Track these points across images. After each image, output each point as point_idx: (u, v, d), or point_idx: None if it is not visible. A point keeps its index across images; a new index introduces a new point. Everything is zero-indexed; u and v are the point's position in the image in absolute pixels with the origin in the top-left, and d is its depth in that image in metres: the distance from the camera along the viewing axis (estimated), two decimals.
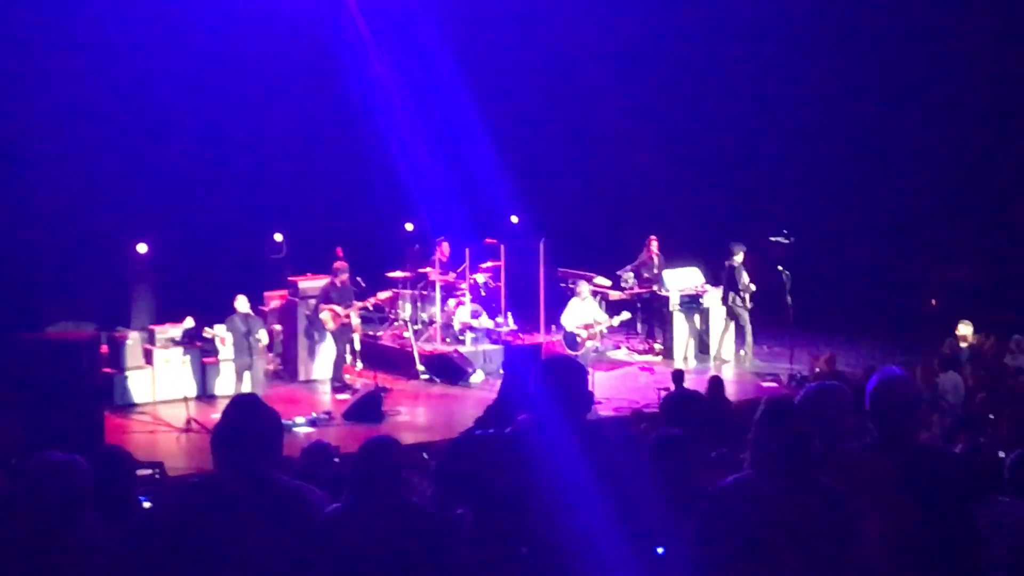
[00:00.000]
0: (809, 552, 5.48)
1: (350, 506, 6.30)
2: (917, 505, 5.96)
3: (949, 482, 6.35)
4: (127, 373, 21.18)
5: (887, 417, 6.33)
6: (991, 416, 16.39)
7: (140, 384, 21.26)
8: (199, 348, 21.72)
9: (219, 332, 21.43)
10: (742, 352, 24.45)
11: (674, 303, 24.56)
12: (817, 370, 20.73)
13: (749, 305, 24.06)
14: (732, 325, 24.31)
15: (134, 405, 20.99)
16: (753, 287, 23.98)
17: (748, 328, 24.22)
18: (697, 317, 24.79)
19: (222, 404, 19.41)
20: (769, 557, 5.48)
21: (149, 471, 13.90)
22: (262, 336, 21.61)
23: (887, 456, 6.22)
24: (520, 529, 5.61)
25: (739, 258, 24.03)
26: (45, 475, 5.79)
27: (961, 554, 6.12)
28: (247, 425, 6.06)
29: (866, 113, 27.82)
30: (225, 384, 21.55)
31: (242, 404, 6.25)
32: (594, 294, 24.16)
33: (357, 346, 23.27)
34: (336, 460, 11.50)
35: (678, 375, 18.48)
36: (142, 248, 23.51)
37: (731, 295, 24.11)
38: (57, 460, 5.96)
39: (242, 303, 21.46)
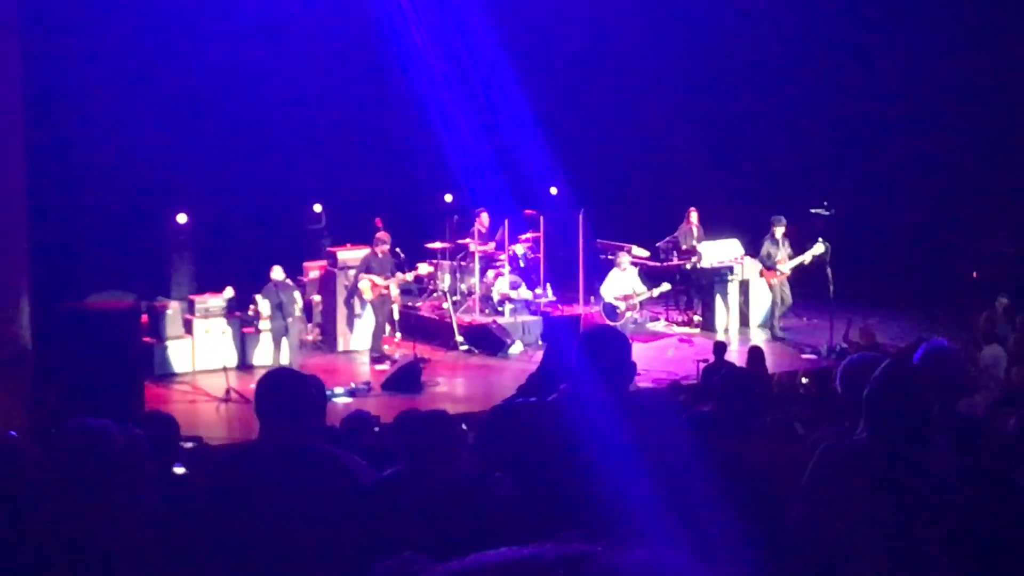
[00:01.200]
0: (917, 518, 5.40)
1: (405, 472, 6.31)
2: (959, 478, 5.91)
3: (993, 455, 6.32)
4: (167, 343, 21.27)
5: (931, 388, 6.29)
6: None
7: (180, 354, 21.35)
8: (239, 318, 21.78)
9: (259, 304, 21.49)
10: (763, 326, 24.41)
11: (711, 275, 24.51)
12: (855, 341, 20.65)
13: (783, 272, 23.81)
14: (779, 298, 24.09)
15: (174, 375, 21.09)
16: (786, 260, 23.80)
17: (780, 303, 24.02)
18: (737, 289, 24.74)
19: (261, 374, 19.57)
20: (878, 521, 5.41)
21: (189, 444, 13.94)
22: (296, 302, 21.64)
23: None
24: (560, 497, 5.59)
25: (780, 231, 23.90)
26: (77, 442, 5.79)
27: (1004, 527, 6.08)
28: (283, 396, 6.07)
29: (908, 83, 27.63)
30: (264, 354, 21.61)
31: (274, 377, 6.27)
32: (633, 265, 24.13)
33: (396, 316, 23.30)
34: (376, 430, 11.52)
35: (720, 347, 18.45)
36: (182, 218, 23.58)
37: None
38: (90, 427, 5.96)
39: (277, 272, 21.50)
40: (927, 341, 6.98)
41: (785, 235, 23.91)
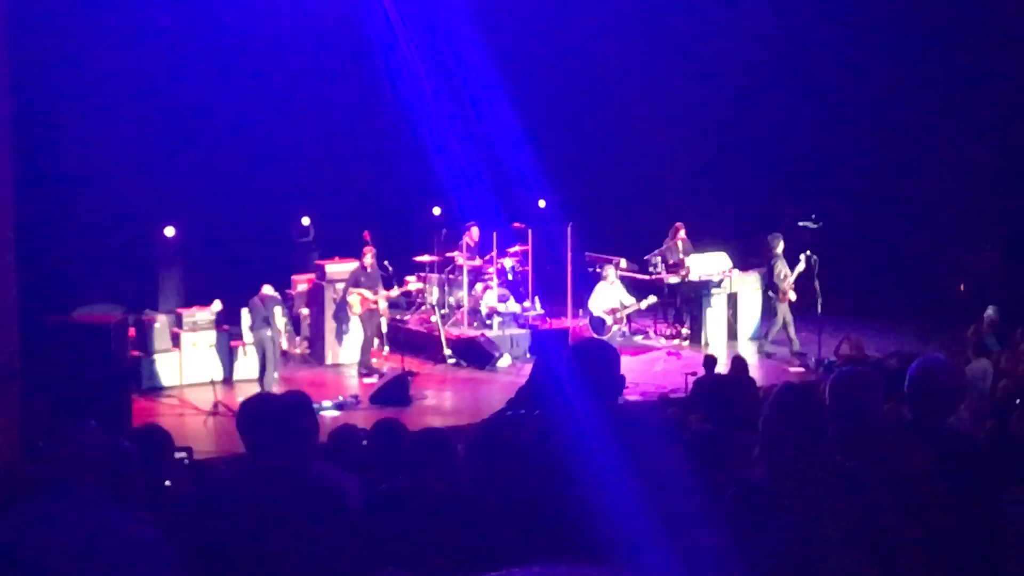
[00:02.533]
0: (839, 543, 5.43)
1: (397, 491, 6.32)
2: (944, 490, 5.94)
3: (977, 469, 6.36)
4: (155, 356, 21.25)
5: (924, 402, 6.35)
6: (1017, 402, 16.29)
7: (167, 367, 21.32)
8: (226, 331, 21.77)
9: (242, 318, 21.54)
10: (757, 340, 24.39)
11: (699, 288, 24.52)
12: (845, 352, 20.65)
13: (792, 297, 23.63)
14: (781, 317, 23.94)
15: (161, 388, 21.07)
16: (790, 277, 23.73)
17: (779, 321, 23.91)
18: (724, 302, 24.76)
19: (248, 388, 19.50)
20: (799, 551, 5.43)
21: (181, 455, 13.90)
22: (278, 315, 21.57)
23: (917, 441, 6.23)
24: (549, 511, 5.58)
25: (779, 249, 23.76)
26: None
27: (985, 541, 6.11)
28: (265, 424, 6.05)
29: (895, 97, 27.68)
30: (251, 368, 21.59)
31: (255, 406, 6.25)
32: (621, 278, 24.15)
33: (384, 330, 23.30)
34: (363, 443, 11.48)
35: (711, 360, 18.47)
36: (170, 231, 23.55)
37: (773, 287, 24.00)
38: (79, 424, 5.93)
39: (268, 289, 21.44)
40: (922, 356, 7.04)
41: (782, 253, 23.86)
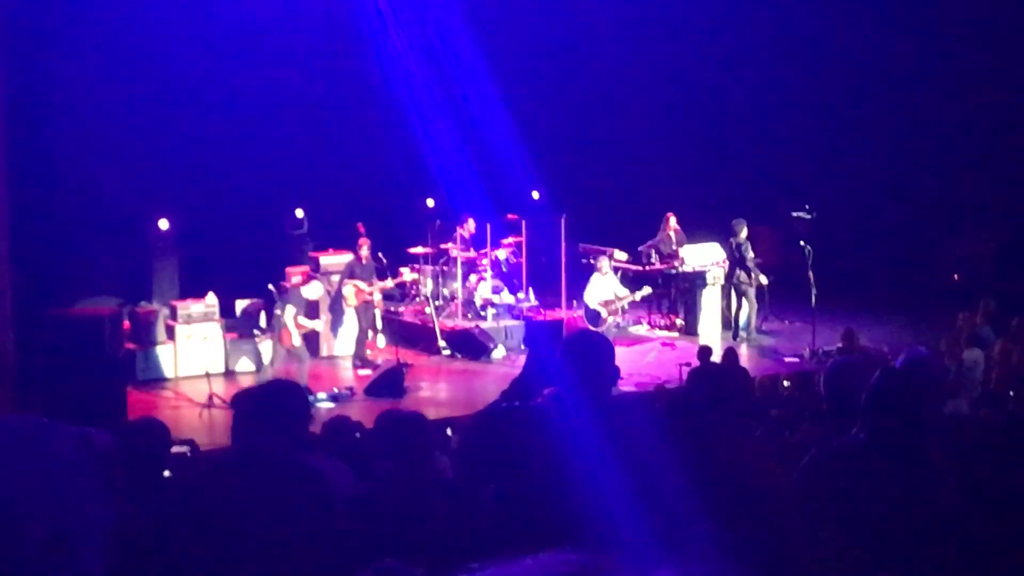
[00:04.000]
0: (911, 521, 5.44)
1: (385, 478, 6.32)
2: (943, 480, 5.95)
3: (971, 455, 6.39)
4: (149, 349, 21.26)
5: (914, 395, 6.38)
6: (1011, 393, 16.33)
7: (162, 360, 21.33)
8: (220, 324, 21.78)
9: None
10: (744, 331, 24.43)
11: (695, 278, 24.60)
12: (839, 345, 20.69)
13: (763, 280, 24.02)
14: (744, 302, 24.22)
15: (156, 381, 21.06)
16: (757, 261, 23.98)
17: (754, 305, 24.16)
18: (718, 293, 24.79)
19: (243, 380, 19.51)
20: (872, 524, 5.45)
21: (183, 448, 13.89)
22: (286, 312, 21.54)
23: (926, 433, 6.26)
24: (544, 502, 5.59)
25: (743, 235, 23.99)
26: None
27: (996, 527, 6.13)
28: (264, 409, 6.06)
29: (889, 86, 27.71)
30: (246, 360, 21.61)
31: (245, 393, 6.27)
32: (615, 270, 24.17)
33: (379, 322, 23.30)
34: (357, 435, 11.49)
35: (705, 351, 18.47)
36: (164, 224, 23.52)
37: (737, 272, 24.10)
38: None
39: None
40: (907, 350, 7.10)
41: (747, 238, 24.04)
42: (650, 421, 6.25)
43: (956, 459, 6.05)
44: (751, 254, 23.97)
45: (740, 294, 24.21)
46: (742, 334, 24.07)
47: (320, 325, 21.79)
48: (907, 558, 5.38)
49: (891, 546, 5.38)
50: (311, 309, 21.57)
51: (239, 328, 22.13)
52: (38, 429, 5.42)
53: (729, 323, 24.72)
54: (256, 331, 21.99)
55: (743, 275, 24.05)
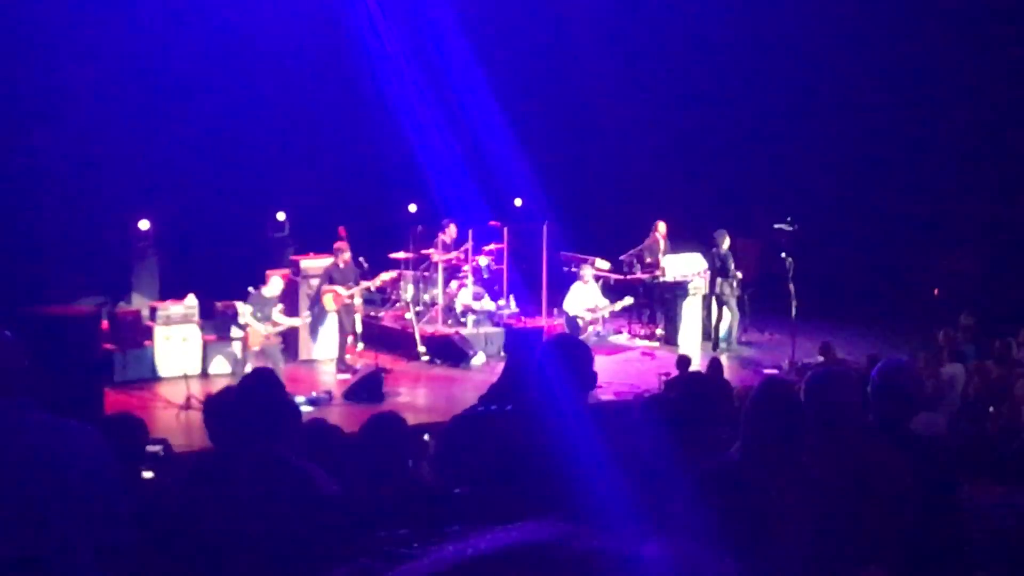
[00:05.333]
0: (795, 535, 5.44)
1: (351, 485, 6.29)
2: (907, 489, 5.97)
3: (939, 468, 6.43)
4: (128, 350, 21.18)
5: (887, 403, 6.41)
6: (990, 409, 16.35)
7: (141, 361, 21.25)
8: (200, 325, 21.72)
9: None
10: (725, 342, 24.45)
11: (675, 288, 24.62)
12: (820, 358, 20.70)
13: (737, 292, 24.15)
14: (725, 312, 24.29)
15: (134, 382, 20.98)
16: (739, 274, 24.08)
17: (736, 316, 24.24)
18: (699, 303, 24.81)
19: (219, 382, 19.44)
20: (754, 539, 5.44)
21: (156, 448, 13.85)
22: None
23: (882, 441, 6.27)
24: (520, 506, 5.57)
25: (725, 245, 24.07)
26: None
27: (947, 537, 6.16)
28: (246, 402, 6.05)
29: (872, 100, 27.75)
30: (223, 362, 21.56)
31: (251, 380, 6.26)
32: (596, 278, 24.16)
33: (358, 326, 23.25)
34: (335, 439, 11.45)
35: (684, 361, 18.47)
36: (144, 225, 23.45)
37: (719, 282, 24.16)
38: None
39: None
40: (885, 358, 7.13)
41: (729, 249, 24.12)
42: (630, 424, 6.25)
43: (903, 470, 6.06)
44: (732, 264, 24.05)
45: (721, 304, 24.26)
46: (722, 344, 24.11)
47: (299, 322, 21.74)
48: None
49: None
50: (290, 307, 21.54)
51: (218, 330, 22.07)
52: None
53: (709, 333, 24.75)
54: (235, 334, 21.91)
55: (725, 286, 24.10)
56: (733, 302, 24.13)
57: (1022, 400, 15.81)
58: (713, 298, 24.62)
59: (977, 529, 7.25)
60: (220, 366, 21.61)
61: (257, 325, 20.40)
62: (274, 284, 20.89)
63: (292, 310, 22.93)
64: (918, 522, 5.93)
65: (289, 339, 23.04)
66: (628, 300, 24.13)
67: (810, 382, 6.56)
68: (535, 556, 1.36)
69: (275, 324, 20.61)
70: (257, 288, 21.02)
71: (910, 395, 6.64)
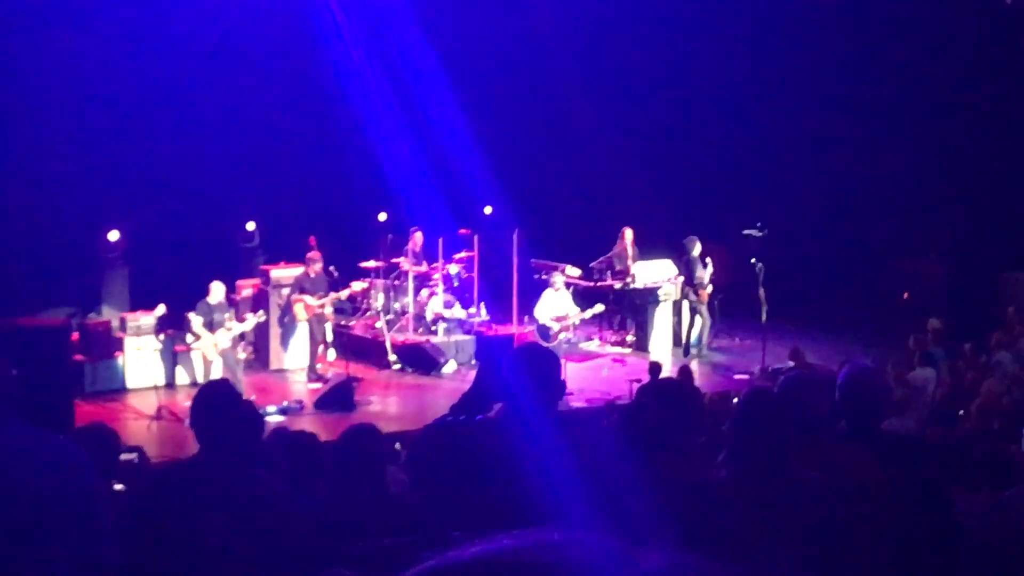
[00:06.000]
0: (793, 547, 5.45)
1: (332, 495, 6.31)
2: (888, 494, 5.99)
3: (918, 470, 6.44)
4: (98, 361, 21.12)
5: (855, 408, 6.44)
6: (960, 412, 16.44)
7: (111, 372, 21.19)
8: (171, 336, 21.67)
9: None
10: (696, 347, 24.47)
11: (645, 295, 24.65)
12: (792, 363, 20.76)
13: (704, 299, 24.20)
14: (697, 318, 24.34)
15: (105, 392, 20.92)
16: (708, 280, 24.10)
17: (707, 323, 24.28)
18: (670, 309, 24.85)
19: (184, 392, 19.41)
20: (752, 553, 5.45)
21: (131, 456, 13.80)
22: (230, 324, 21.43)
23: (856, 446, 6.29)
24: (492, 515, 5.58)
25: (695, 252, 24.11)
26: None
27: (937, 542, 6.16)
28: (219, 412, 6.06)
29: (839, 105, 27.84)
30: (195, 373, 21.52)
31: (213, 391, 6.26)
32: (567, 285, 24.15)
33: (329, 335, 23.22)
34: (305, 449, 11.43)
35: (655, 367, 18.50)
36: (114, 235, 23.38)
37: (687, 289, 24.24)
38: None
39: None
40: (850, 363, 7.16)
41: (700, 256, 24.14)
42: (600, 432, 6.27)
43: (878, 475, 6.08)
44: (701, 271, 24.07)
45: (693, 311, 24.31)
46: (693, 351, 24.16)
47: (250, 324, 21.65)
48: None
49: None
50: (248, 311, 21.53)
51: (181, 340, 21.99)
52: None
53: (680, 339, 24.79)
54: (189, 340, 21.78)
55: (691, 292, 24.17)
56: (704, 308, 24.17)
57: (989, 402, 15.92)
58: (684, 304, 24.70)
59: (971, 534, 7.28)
60: (183, 376, 21.57)
61: (208, 335, 20.38)
62: (216, 291, 20.85)
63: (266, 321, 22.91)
64: (911, 525, 5.95)
65: (260, 349, 23.04)
66: (599, 307, 24.12)
67: (783, 387, 6.59)
68: (529, 562, 1.38)
69: (228, 330, 20.59)
70: (228, 299, 21.02)
71: (876, 400, 6.68)
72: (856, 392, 6.52)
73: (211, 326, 20.45)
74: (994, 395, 16.42)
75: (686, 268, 24.25)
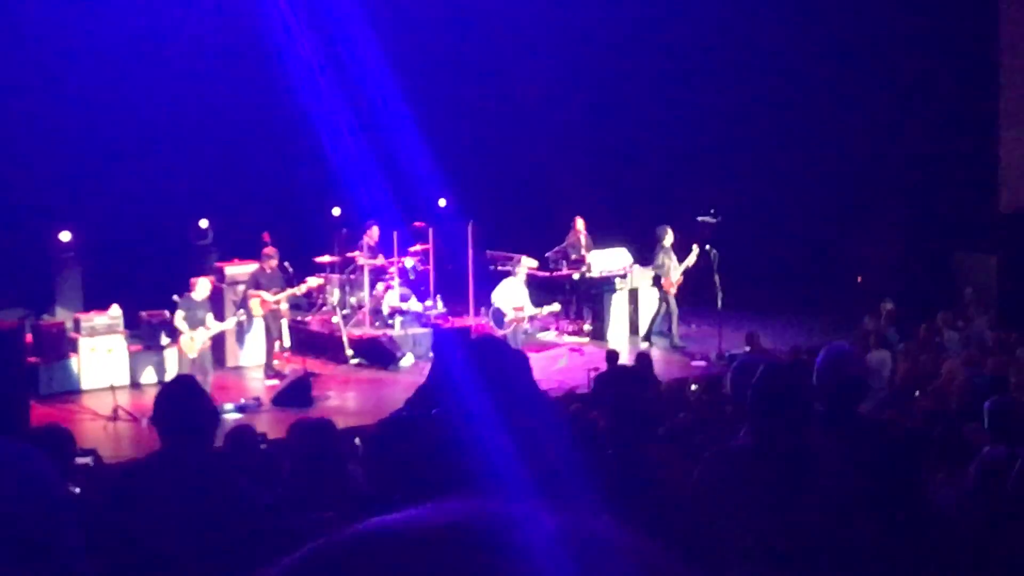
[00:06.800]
0: (813, 516, 5.46)
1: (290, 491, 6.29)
2: (864, 476, 5.99)
3: (894, 451, 6.46)
4: (52, 362, 20.99)
5: (832, 391, 6.43)
6: (916, 393, 16.52)
7: (66, 373, 21.07)
8: (125, 336, 21.56)
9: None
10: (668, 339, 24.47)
11: (601, 284, 24.64)
12: (748, 348, 20.83)
13: (667, 287, 24.09)
14: (663, 307, 24.28)
15: (60, 395, 20.80)
16: (677, 268, 23.98)
17: (675, 311, 24.21)
18: (626, 298, 24.87)
19: (149, 392, 19.30)
20: (769, 523, 5.46)
21: (86, 459, 13.74)
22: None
23: (832, 430, 6.30)
24: None
25: (667, 241, 24.01)
26: None
27: (913, 523, 6.18)
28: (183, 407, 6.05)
29: (790, 89, 27.90)
30: (152, 372, 21.42)
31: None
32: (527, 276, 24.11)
33: (285, 332, 23.15)
34: (263, 446, 11.43)
35: (613, 355, 18.52)
36: (65, 236, 23.24)
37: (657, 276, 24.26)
38: None
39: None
40: (828, 345, 7.16)
41: (672, 244, 24.03)
42: (555, 425, 6.25)
43: (854, 458, 6.08)
44: (668, 260, 23.92)
45: (662, 300, 24.17)
46: (656, 339, 24.17)
47: (231, 324, 21.63)
48: (792, 560, 5.41)
49: (778, 547, 5.40)
50: (216, 314, 21.40)
51: (143, 340, 21.91)
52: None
53: (637, 328, 24.83)
54: (164, 341, 21.74)
55: (656, 282, 24.16)
56: (671, 298, 24.02)
57: (948, 383, 16.01)
58: (641, 292, 24.75)
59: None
60: (150, 376, 21.46)
61: (190, 331, 20.28)
62: (202, 288, 20.75)
63: (218, 317, 22.82)
64: (879, 512, 5.96)
65: (216, 346, 22.91)
66: (556, 306, 24.13)
67: (736, 371, 6.60)
68: (421, 528, 1.37)
69: (208, 329, 20.51)
70: (183, 295, 20.89)
71: (856, 381, 6.67)
72: (835, 374, 6.50)
73: (192, 323, 20.34)
74: (952, 376, 16.52)
75: (654, 257, 24.16)
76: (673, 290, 23.89)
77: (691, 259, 23.76)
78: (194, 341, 20.24)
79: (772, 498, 5.47)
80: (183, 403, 6.10)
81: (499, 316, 23.11)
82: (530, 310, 23.49)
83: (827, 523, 5.43)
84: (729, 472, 5.71)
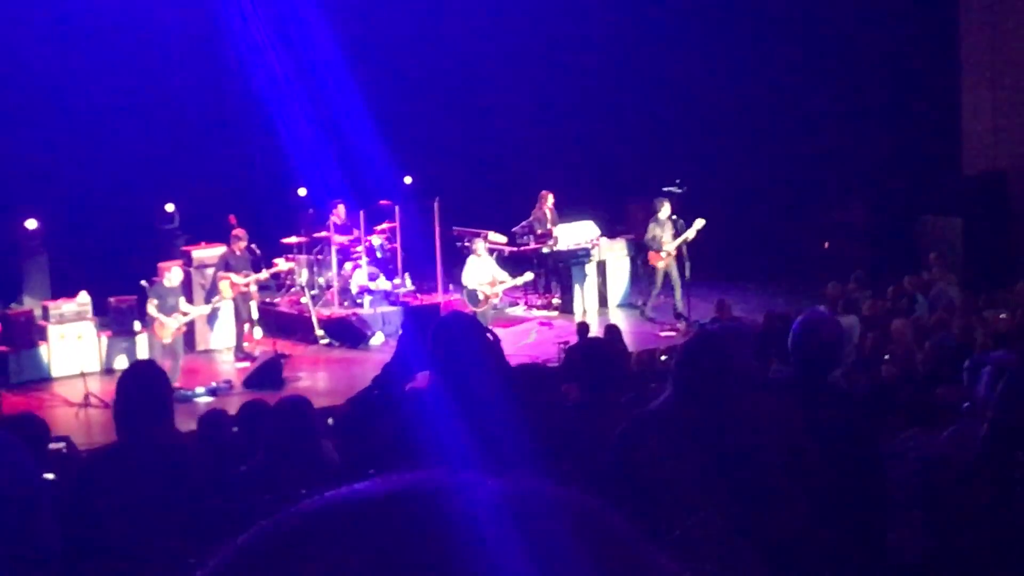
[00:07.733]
0: (731, 478, 5.49)
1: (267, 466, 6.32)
2: (824, 440, 6.03)
3: (856, 419, 6.50)
4: (22, 351, 20.96)
5: (808, 356, 6.45)
6: (885, 357, 16.59)
7: (36, 361, 21.03)
8: (94, 322, 21.52)
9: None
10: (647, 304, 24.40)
11: (568, 256, 24.62)
12: (715, 316, 20.88)
13: (654, 261, 23.86)
14: (661, 280, 23.88)
15: (31, 383, 20.76)
16: (671, 242, 23.67)
17: (677, 283, 23.71)
18: (594, 270, 24.90)
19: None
20: (689, 484, 5.49)
21: (59, 445, 13.73)
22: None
23: (798, 393, 6.33)
24: None
25: (663, 213, 23.65)
26: None
27: (867, 487, 6.22)
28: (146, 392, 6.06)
29: (753, 57, 27.94)
30: (124, 358, 21.39)
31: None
32: (490, 251, 24.12)
33: (255, 313, 23.12)
34: (234, 429, 11.42)
35: (583, 328, 18.58)
36: (31, 224, 23.17)
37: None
38: None
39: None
40: (807, 310, 7.19)
41: (670, 216, 23.72)
42: (512, 396, 6.29)
43: (781, 420, 6.12)
44: (660, 231, 23.57)
45: (665, 274, 23.82)
46: (642, 309, 24.12)
47: (206, 310, 21.65)
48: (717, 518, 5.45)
49: (700, 505, 5.44)
50: (185, 295, 21.38)
51: (113, 326, 21.87)
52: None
53: (606, 300, 24.87)
54: (136, 327, 21.70)
55: (644, 255, 24.08)
56: (674, 270, 23.65)
57: (903, 343, 16.15)
58: (609, 264, 24.78)
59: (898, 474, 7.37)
60: (123, 362, 21.42)
61: (165, 319, 20.24)
62: (175, 275, 20.72)
63: (188, 301, 22.79)
64: (835, 475, 5.99)
65: (187, 330, 22.90)
66: (528, 276, 24.10)
67: (697, 338, 6.62)
68: (365, 499, 1.42)
69: (184, 314, 20.50)
70: (151, 282, 20.87)
71: (832, 346, 6.69)
72: (810, 339, 6.50)
73: (166, 310, 20.30)
74: (902, 334, 16.66)
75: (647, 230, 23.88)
76: (661, 264, 23.62)
77: (691, 232, 23.45)
78: (169, 328, 20.21)
79: (693, 454, 5.50)
80: (139, 390, 6.11)
81: (473, 296, 23.13)
82: (504, 281, 23.43)
83: (744, 477, 5.46)
84: (651, 431, 5.76)
